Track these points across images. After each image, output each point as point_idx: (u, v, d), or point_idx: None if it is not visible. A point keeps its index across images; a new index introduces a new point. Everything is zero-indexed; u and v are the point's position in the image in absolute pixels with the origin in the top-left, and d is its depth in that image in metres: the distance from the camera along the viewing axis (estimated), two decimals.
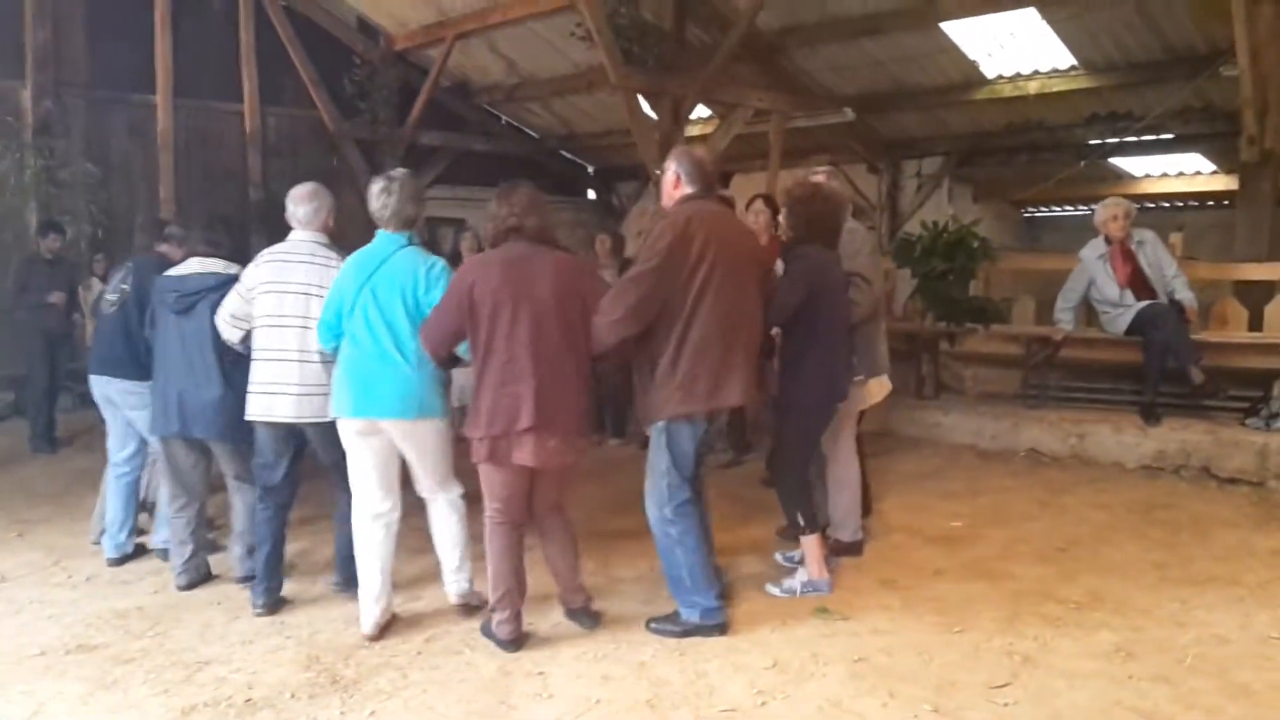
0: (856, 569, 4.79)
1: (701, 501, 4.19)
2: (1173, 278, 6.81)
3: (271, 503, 4.38)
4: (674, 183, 4.05)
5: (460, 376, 4.56)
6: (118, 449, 5.16)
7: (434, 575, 4.38)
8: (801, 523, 4.43)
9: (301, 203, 4.32)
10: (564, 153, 14.74)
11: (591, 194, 15.51)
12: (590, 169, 15.24)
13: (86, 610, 4.39)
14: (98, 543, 5.21)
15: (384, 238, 4.06)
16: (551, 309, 3.75)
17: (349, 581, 4.32)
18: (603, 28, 8.67)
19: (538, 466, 3.80)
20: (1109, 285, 6.93)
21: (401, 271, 3.95)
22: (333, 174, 11.74)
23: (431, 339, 3.87)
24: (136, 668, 3.77)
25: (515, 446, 3.75)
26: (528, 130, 14.24)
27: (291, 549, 4.98)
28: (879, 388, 5.04)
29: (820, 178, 4.92)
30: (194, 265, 4.62)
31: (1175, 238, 7.80)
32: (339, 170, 11.89)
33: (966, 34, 9.49)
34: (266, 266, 4.27)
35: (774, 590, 4.44)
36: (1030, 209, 14.60)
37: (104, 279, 8.73)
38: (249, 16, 11.08)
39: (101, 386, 5.08)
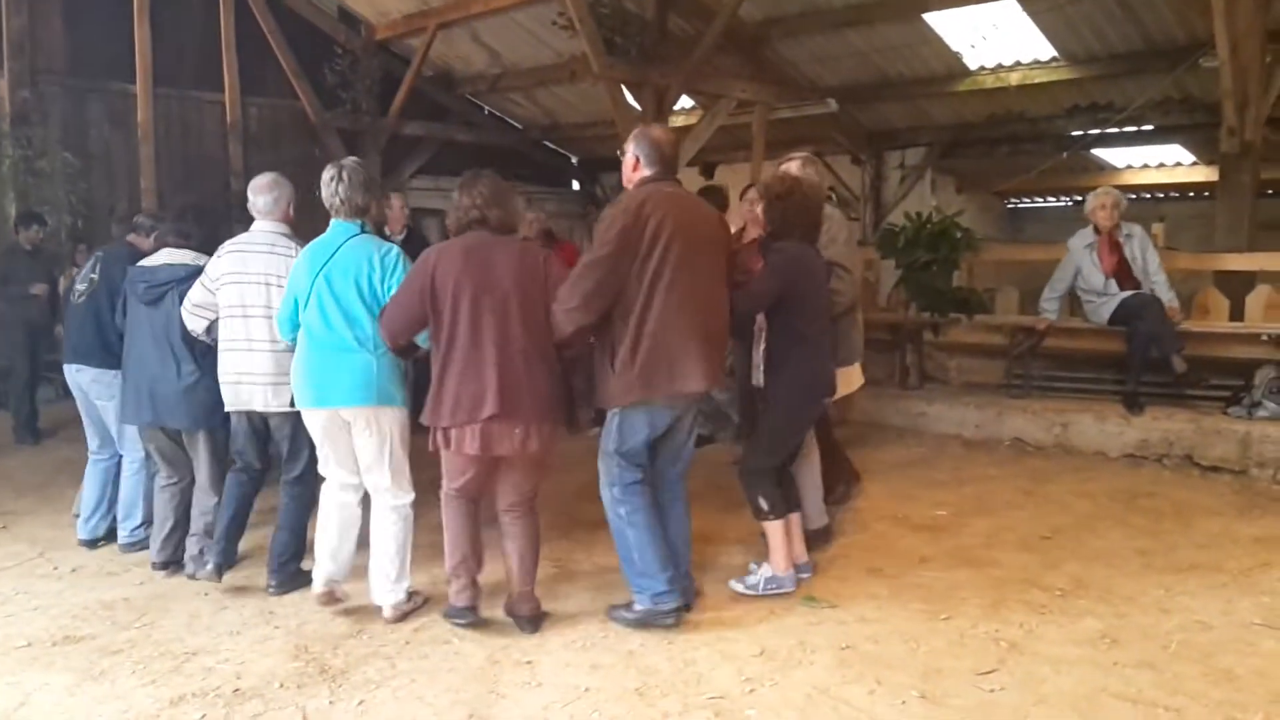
0: (844, 558, 4.81)
1: (683, 489, 4.18)
2: (1154, 274, 6.86)
3: (243, 477, 4.50)
4: (633, 165, 3.98)
5: None
6: (92, 437, 5.22)
7: (424, 566, 4.37)
8: (765, 506, 4.28)
9: (261, 193, 4.36)
10: (547, 143, 14.71)
11: (575, 185, 15.49)
12: (574, 160, 15.21)
13: (73, 601, 4.36)
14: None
15: (336, 226, 4.09)
16: (513, 297, 3.74)
17: (283, 585, 4.40)
18: (585, 17, 8.66)
19: (503, 455, 3.80)
20: (1094, 274, 6.99)
21: (355, 259, 3.97)
22: (315, 164, 11.56)
23: (392, 327, 3.87)
24: (124, 658, 3.75)
25: (479, 435, 3.74)
26: (511, 121, 14.20)
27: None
28: (853, 377, 5.01)
29: (794, 165, 4.73)
30: (164, 256, 4.67)
31: (1157, 228, 7.88)
32: (321, 160, 11.71)
33: (949, 25, 9.51)
34: (228, 257, 4.31)
35: (737, 586, 4.32)
36: (1013, 200, 14.68)
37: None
38: (229, 5, 10.96)
39: (73, 375, 5.15)
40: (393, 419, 4.04)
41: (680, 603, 3.97)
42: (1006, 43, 9.61)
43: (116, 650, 3.83)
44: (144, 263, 4.72)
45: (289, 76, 11.44)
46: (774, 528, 4.31)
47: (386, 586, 4.09)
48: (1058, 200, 14.45)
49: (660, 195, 3.84)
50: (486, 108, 13.86)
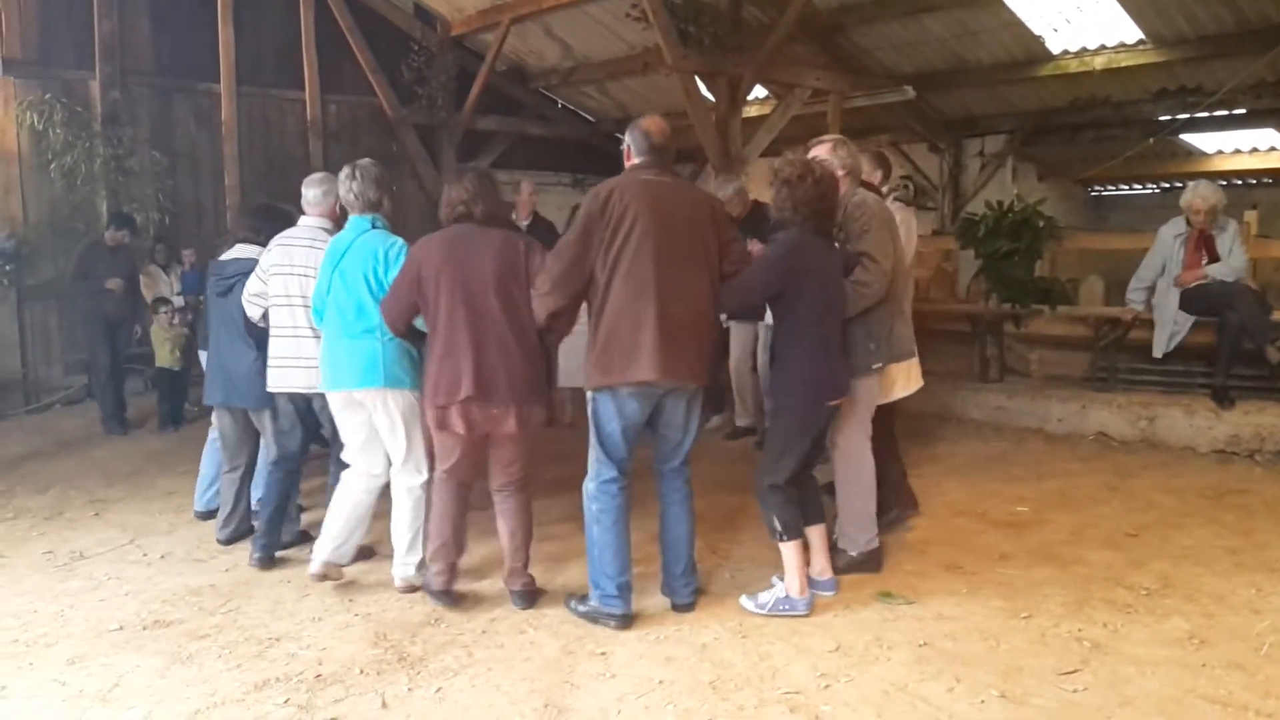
0: (921, 554, 4.74)
1: (682, 486, 4.10)
2: (1232, 259, 6.60)
3: (282, 468, 4.79)
4: (626, 155, 4.05)
5: (562, 359, 4.60)
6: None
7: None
8: (778, 527, 4.05)
9: (311, 187, 4.72)
10: (620, 136, 14.69)
11: None
12: None
13: (162, 587, 4.51)
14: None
15: (353, 222, 4.37)
16: (491, 285, 3.94)
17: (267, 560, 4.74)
18: (658, 8, 8.62)
19: (479, 434, 4.01)
20: (1174, 269, 6.74)
21: (366, 252, 4.25)
22: (391, 160, 11.85)
23: (390, 313, 4.11)
24: (210, 643, 3.86)
25: (460, 415, 3.95)
26: (583, 114, 14.24)
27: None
28: (904, 376, 4.68)
29: (824, 148, 4.48)
30: (236, 251, 5.02)
31: (1250, 216, 7.57)
32: (397, 156, 12.00)
33: (1031, 8, 9.27)
34: (277, 250, 4.63)
35: (747, 604, 4.09)
36: (1097, 188, 14.29)
37: (164, 267, 8.95)
38: (309, 5, 11.19)
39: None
40: (401, 400, 4.27)
41: (625, 611, 3.95)
42: (1091, 25, 9.34)
43: (203, 635, 3.94)
44: (221, 257, 5.09)
45: (366, 74, 11.62)
46: (788, 549, 4.05)
47: (397, 560, 4.38)
48: (1144, 187, 14.03)
49: (633, 183, 3.88)
50: (559, 101, 13.90)
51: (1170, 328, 6.74)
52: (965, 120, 12.10)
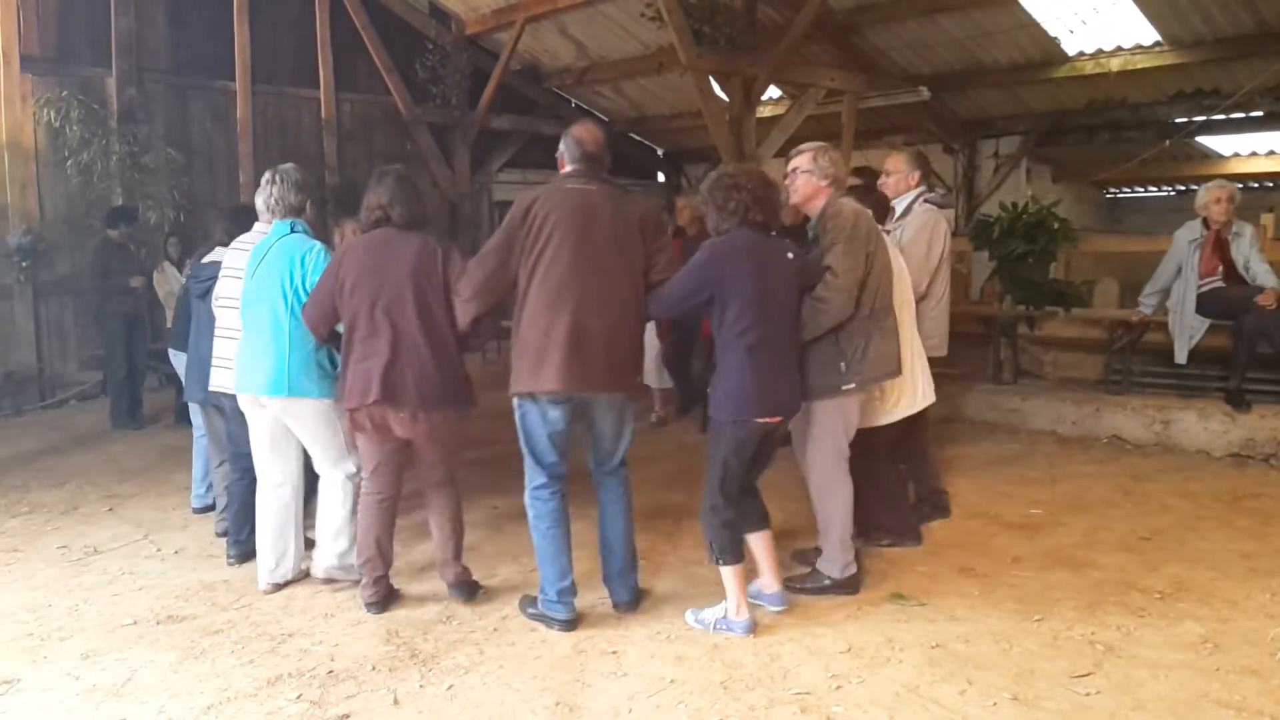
0: (933, 556, 4.73)
1: (618, 488, 4.09)
2: (1255, 265, 6.54)
3: (238, 467, 4.76)
4: (560, 163, 4.04)
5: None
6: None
7: (510, 555, 4.43)
8: (714, 551, 3.90)
9: (257, 194, 4.63)
10: (634, 135, 14.73)
11: (661, 177, 15.49)
12: (660, 152, 15.22)
13: (175, 582, 4.53)
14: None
15: (274, 226, 4.42)
16: (408, 290, 3.94)
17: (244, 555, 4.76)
18: (673, 8, 8.63)
19: (391, 437, 4.04)
20: (1190, 274, 6.69)
21: (282, 257, 4.28)
22: (406, 158, 11.90)
23: (310, 317, 4.13)
24: (224, 638, 3.88)
25: (368, 418, 3.99)
26: (597, 113, 14.24)
27: None
28: (906, 393, 4.51)
29: (803, 159, 4.24)
30: (215, 254, 5.03)
31: (1267, 218, 7.52)
32: (412, 154, 12.04)
33: (1047, 10, 9.26)
34: (229, 253, 4.69)
35: (690, 619, 3.97)
36: (1112, 190, 14.23)
37: (177, 263, 8.99)
38: (324, 3, 11.27)
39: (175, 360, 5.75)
40: (305, 409, 4.28)
41: (569, 616, 3.94)
42: (1107, 27, 9.31)
43: (217, 630, 3.96)
44: (201, 260, 5.17)
45: (381, 72, 11.68)
46: (726, 574, 3.89)
47: (319, 549, 4.42)
48: (1159, 190, 13.96)
49: (556, 192, 3.86)
50: (573, 100, 13.93)
51: (1188, 332, 6.69)
52: (980, 121, 12.07)
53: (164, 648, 3.80)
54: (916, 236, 5.15)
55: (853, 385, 4.08)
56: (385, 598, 4.18)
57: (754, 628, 3.88)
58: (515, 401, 3.91)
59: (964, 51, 10.39)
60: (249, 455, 4.62)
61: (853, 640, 3.78)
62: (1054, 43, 9.74)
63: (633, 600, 4.12)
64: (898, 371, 4.29)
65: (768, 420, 3.87)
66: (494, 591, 4.34)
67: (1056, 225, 7.37)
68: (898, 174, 5.38)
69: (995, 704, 3.28)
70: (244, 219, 4.91)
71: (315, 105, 11.51)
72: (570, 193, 3.86)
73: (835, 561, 4.25)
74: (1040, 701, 3.29)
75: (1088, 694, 3.34)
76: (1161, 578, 4.39)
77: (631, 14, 10.32)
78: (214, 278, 4.81)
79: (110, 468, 6.77)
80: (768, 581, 4.07)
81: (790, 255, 3.93)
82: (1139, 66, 9.52)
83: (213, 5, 10.48)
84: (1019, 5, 9.16)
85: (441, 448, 4.15)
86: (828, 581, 4.25)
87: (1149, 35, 9.21)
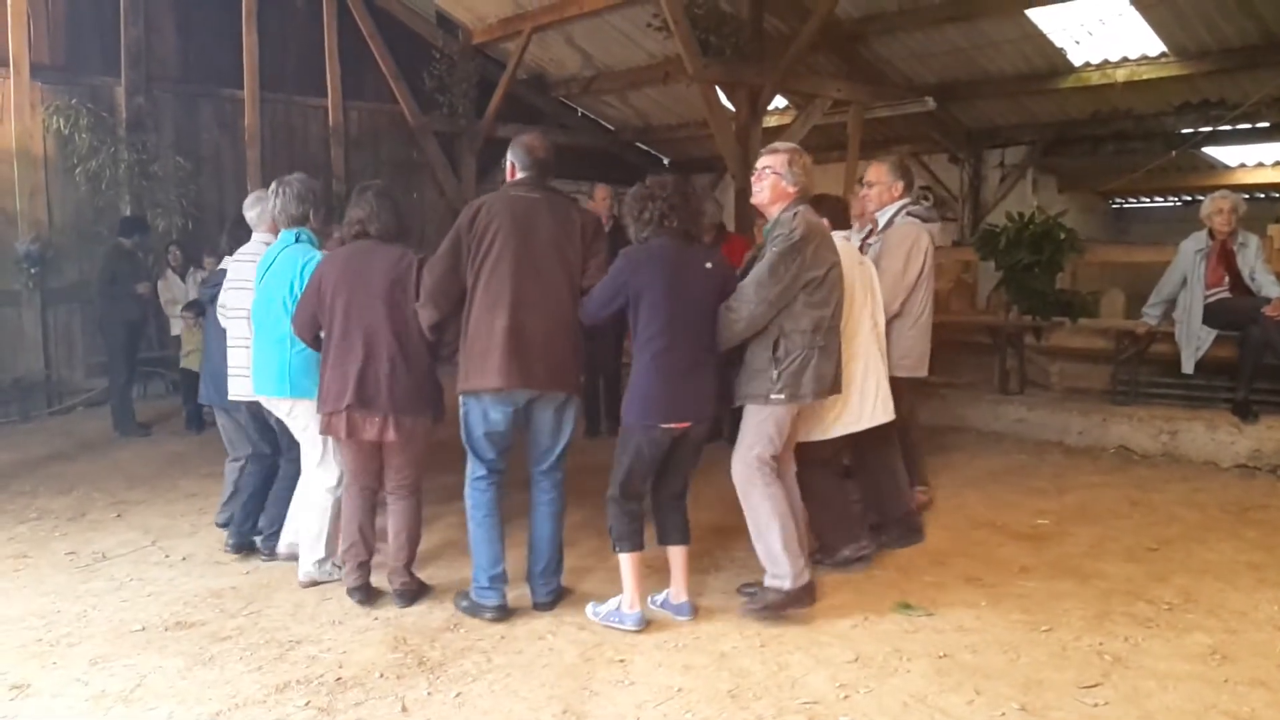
0: (941, 566, 4.72)
1: (551, 489, 4.19)
2: (1260, 275, 6.54)
3: (258, 467, 5.02)
4: (510, 171, 4.17)
5: None
6: None
7: (523, 566, 4.43)
8: (612, 538, 4.04)
9: (249, 208, 4.92)
10: (640, 145, 14.75)
11: None
12: (666, 161, 15.23)
13: (184, 588, 4.54)
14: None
15: (280, 235, 4.63)
16: (381, 300, 4.14)
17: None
18: (680, 18, 8.65)
19: (363, 440, 4.18)
20: (1196, 284, 6.69)
21: (285, 266, 4.51)
22: (413, 167, 11.93)
23: (297, 323, 4.33)
24: (232, 645, 3.89)
25: (344, 422, 4.14)
26: (604, 123, 14.30)
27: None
28: (830, 412, 4.34)
29: (776, 160, 4.09)
30: (225, 263, 5.15)
31: (1274, 229, 7.52)
32: (419, 163, 12.07)
33: (1053, 20, 9.27)
34: (232, 265, 4.89)
35: (589, 609, 4.09)
36: (1118, 200, 14.22)
37: (180, 272, 9.03)
38: (332, 12, 11.31)
39: None
40: (307, 409, 4.46)
41: (498, 602, 4.08)
42: (1113, 38, 9.32)
43: (225, 637, 3.97)
44: (218, 268, 5.28)
45: (389, 81, 11.71)
46: (623, 563, 4.00)
47: (303, 556, 4.57)
48: (1165, 200, 13.95)
49: (501, 199, 4.04)
50: (580, 110, 13.97)
51: (1195, 342, 6.69)
52: (986, 131, 12.08)
53: (172, 654, 3.81)
54: (894, 252, 4.97)
55: (781, 397, 3.98)
56: (367, 584, 4.34)
57: (645, 623, 3.98)
58: (460, 400, 4.07)
59: (970, 62, 10.40)
60: (270, 456, 4.94)
61: (860, 650, 3.78)
62: (1060, 53, 9.76)
63: (551, 602, 4.22)
64: (832, 391, 4.14)
65: (674, 426, 3.93)
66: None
67: (1063, 235, 7.38)
68: (880, 185, 5.20)
69: (1003, 714, 3.27)
70: (247, 229, 5.02)
71: (323, 114, 11.55)
72: (515, 200, 4.05)
73: (782, 573, 4.04)
74: (1048, 712, 3.29)
75: (1096, 705, 3.33)
76: (1169, 588, 4.38)
77: (638, 24, 10.36)
78: (218, 286, 4.98)
79: (118, 474, 6.79)
80: (675, 591, 4.13)
81: (709, 265, 4.01)
82: (1145, 77, 9.53)
83: (221, 14, 10.52)
84: (1025, 16, 9.18)
85: (411, 453, 4.29)
86: (781, 595, 4.05)
87: (1155, 46, 9.22)
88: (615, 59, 11.99)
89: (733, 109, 9.63)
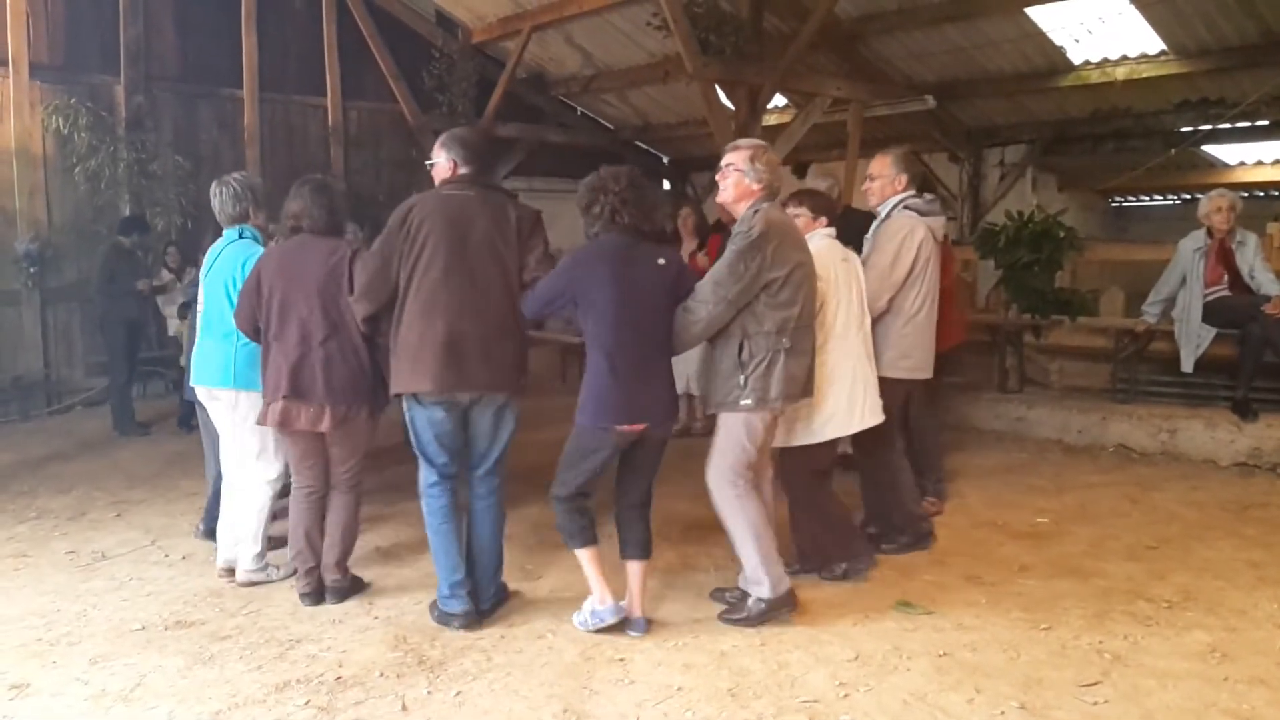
0: (941, 564, 4.73)
1: (489, 492, 4.13)
2: (1260, 273, 6.55)
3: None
4: (451, 168, 4.06)
5: (681, 364, 4.46)
6: None
7: (518, 565, 4.44)
8: (564, 535, 3.96)
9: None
10: (639, 144, 14.74)
11: (666, 185, 15.51)
12: (665, 160, 15.23)
13: (183, 588, 4.55)
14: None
15: (225, 233, 4.75)
16: (315, 293, 4.19)
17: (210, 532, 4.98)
18: (679, 17, 8.63)
19: (300, 431, 4.22)
20: (1195, 283, 6.70)
21: (228, 262, 4.63)
22: (413, 166, 11.92)
23: (238, 318, 4.39)
24: (232, 644, 3.89)
25: (279, 412, 4.19)
26: (603, 121, 14.28)
27: (378, 536, 5.12)
28: (819, 414, 4.22)
29: (739, 157, 3.97)
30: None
31: (1273, 228, 7.53)
32: (419, 162, 12.05)
33: (1052, 19, 9.25)
34: (205, 259, 4.89)
35: (575, 619, 4.03)
36: (1118, 199, 14.22)
37: (176, 272, 9.02)
38: (331, 11, 11.29)
39: None
40: (250, 401, 4.51)
41: (463, 609, 4.02)
42: (1112, 36, 9.31)
43: (225, 636, 3.97)
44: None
45: (388, 80, 11.68)
46: (581, 559, 3.94)
47: (241, 553, 4.59)
48: (1165, 199, 13.95)
49: (432, 199, 3.99)
50: (579, 109, 13.95)
51: (1194, 341, 6.69)
52: (986, 130, 12.06)
53: (172, 653, 3.81)
54: (883, 246, 4.78)
55: (749, 402, 3.86)
56: (318, 589, 4.36)
57: (624, 611, 3.95)
58: (404, 404, 4.04)
59: (969, 60, 10.38)
60: None
61: (860, 648, 3.78)
62: (1059, 52, 9.74)
63: (492, 606, 4.19)
64: (803, 394, 4.02)
65: (629, 428, 3.78)
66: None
67: (1062, 234, 7.39)
68: (882, 178, 5.04)
69: (1003, 713, 3.28)
70: None
71: (322, 113, 11.54)
72: (447, 199, 3.99)
73: (761, 580, 3.98)
74: (1048, 710, 3.29)
75: (1095, 703, 3.34)
76: (1169, 587, 4.38)
77: (638, 23, 10.34)
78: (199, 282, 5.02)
79: (117, 474, 6.79)
80: (632, 606, 3.99)
81: (662, 261, 3.86)
82: (1144, 75, 9.50)
83: (220, 14, 10.51)
84: (1024, 14, 9.16)
85: (350, 445, 4.33)
86: (762, 605, 3.99)
87: (1154, 44, 9.21)
88: (615, 58, 11.97)
89: (732, 108, 9.61)
